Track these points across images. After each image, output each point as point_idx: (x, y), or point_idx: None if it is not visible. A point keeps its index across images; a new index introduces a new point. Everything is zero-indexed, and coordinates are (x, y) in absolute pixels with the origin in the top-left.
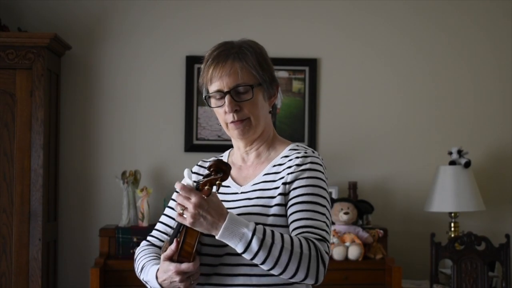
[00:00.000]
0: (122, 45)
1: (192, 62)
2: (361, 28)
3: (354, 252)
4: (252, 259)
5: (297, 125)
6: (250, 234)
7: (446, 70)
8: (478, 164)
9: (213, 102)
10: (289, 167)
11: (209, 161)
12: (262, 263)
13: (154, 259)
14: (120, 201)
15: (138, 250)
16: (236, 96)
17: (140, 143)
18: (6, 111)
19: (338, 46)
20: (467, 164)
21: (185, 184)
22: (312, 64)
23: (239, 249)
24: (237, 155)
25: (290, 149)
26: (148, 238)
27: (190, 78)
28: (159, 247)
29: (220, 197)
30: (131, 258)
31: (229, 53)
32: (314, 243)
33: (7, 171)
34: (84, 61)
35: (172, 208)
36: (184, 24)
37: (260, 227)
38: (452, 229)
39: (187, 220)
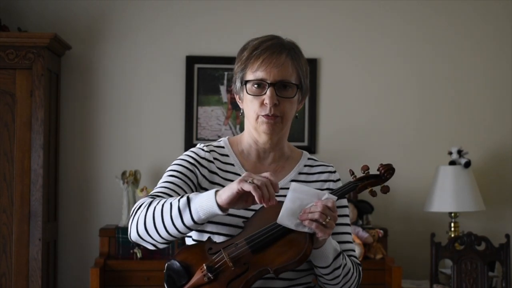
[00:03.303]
0: (122, 45)
1: (192, 62)
2: (361, 29)
3: None
4: (326, 274)
5: (297, 125)
6: (339, 248)
7: (446, 70)
8: (478, 164)
9: (249, 89)
10: (325, 180)
11: (384, 165)
12: (332, 279)
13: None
14: (120, 201)
15: (145, 200)
16: (278, 91)
17: (140, 143)
18: (6, 111)
19: (338, 46)
20: (467, 164)
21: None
22: (312, 64)
23: (327, 261)
24: (251, 149)
25: (308, 158)
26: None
27: (190, 78)
28: None
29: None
30: (131, 258)
31: (283, 47)
32: (359, 269)
33: (7, 171)
34: (84, 61)
35: (177, 178)
36: (184, 24)
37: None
38: (452, 229)
39: (328, 231)
